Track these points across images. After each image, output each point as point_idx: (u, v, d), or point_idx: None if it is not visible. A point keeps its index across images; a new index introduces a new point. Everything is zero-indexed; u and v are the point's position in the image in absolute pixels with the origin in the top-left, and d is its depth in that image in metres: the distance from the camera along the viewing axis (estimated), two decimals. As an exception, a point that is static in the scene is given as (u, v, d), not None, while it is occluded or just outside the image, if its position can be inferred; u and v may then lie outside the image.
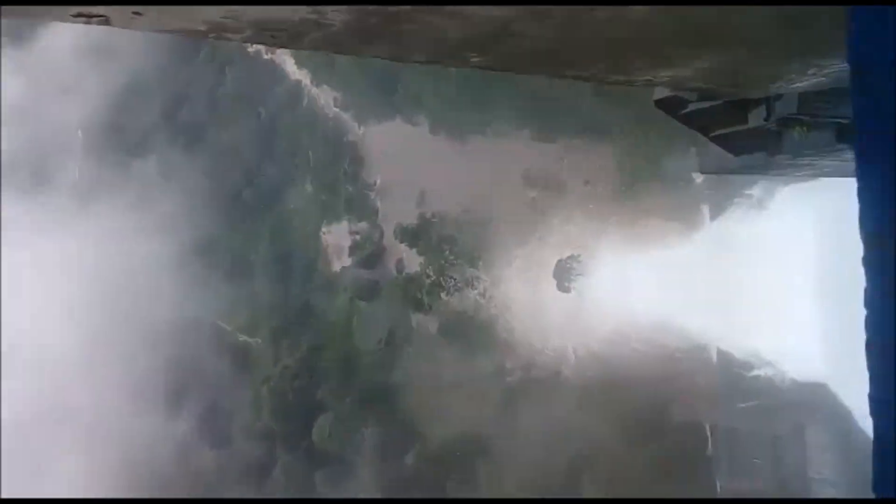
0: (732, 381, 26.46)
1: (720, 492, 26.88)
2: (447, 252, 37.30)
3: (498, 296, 35.56)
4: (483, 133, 35.22)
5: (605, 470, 30.13)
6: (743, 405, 26.01)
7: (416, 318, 37.96)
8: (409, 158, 36.16)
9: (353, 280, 40.21)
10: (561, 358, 33.53)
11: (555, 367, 33.64)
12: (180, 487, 38.67)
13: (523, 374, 34.56)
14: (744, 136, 8.60)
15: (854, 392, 19.69)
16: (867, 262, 1.69)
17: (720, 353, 26.97)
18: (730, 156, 9.58)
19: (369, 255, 40.06)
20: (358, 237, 40.60)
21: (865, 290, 1.71)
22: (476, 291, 36.54)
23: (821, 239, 20.05)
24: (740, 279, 24.28)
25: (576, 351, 33.04)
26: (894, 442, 1.62)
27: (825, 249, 19.74)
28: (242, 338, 42.66)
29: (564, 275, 33.46)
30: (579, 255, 33.09)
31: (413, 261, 38.25)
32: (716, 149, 9.53)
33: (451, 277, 37.25)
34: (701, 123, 9.17)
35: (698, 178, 27.56)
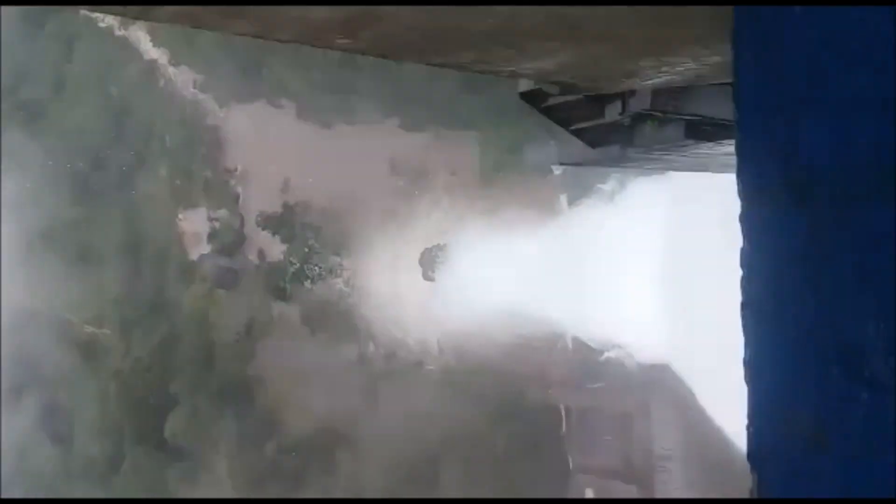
0: (585, 364, 27.66)
1: (573, 468, 28.12)
2: (311, 240, 36.71)
3: (362, 284, 35.41)
4: (350, 120, 34.85)
5: (465, 453, 30.79)
6: (595, 386, 27.21)
7: (278, 308, 37.19)
8: (274, 144, 35.26)
9: (212, 269, 38.79)
10: (424, 346, 33.85)
11: (418, 356, 33.92)
12: (18, 486, 36.05)
13: (386, 362, 34.63)
14: (601, 129, 8.94)
15: (693, 372, 21.12)
16: (745, 218, 1.71)
17: (575, 339, 28.09)
18: (587, 148, 9.93)
19: (229, 243, 38.77)
20: (217, 224, 39.16)
21: (742, 250, 1.73)
22: (340, 280, 36.21)
23: (667, 229, 21.24)
24: (594, 267, 25.31)
25: (439, 339, 33.45)
26: (769, 408, 1.63)
27: (671, 239, 20.94)
28: (90, 329, 40.14)
29: (429, 264, 33.81)
30: (444, 245, 33.50)
31: (275, 249, 37.41)
32: (575, 141, 9.86)
33: (314, 266, 36.71)
34: (561, 116, 9.46)
35: (557, 170, 28.50)
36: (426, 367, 33.70)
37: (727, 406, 18.73)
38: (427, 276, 33.95)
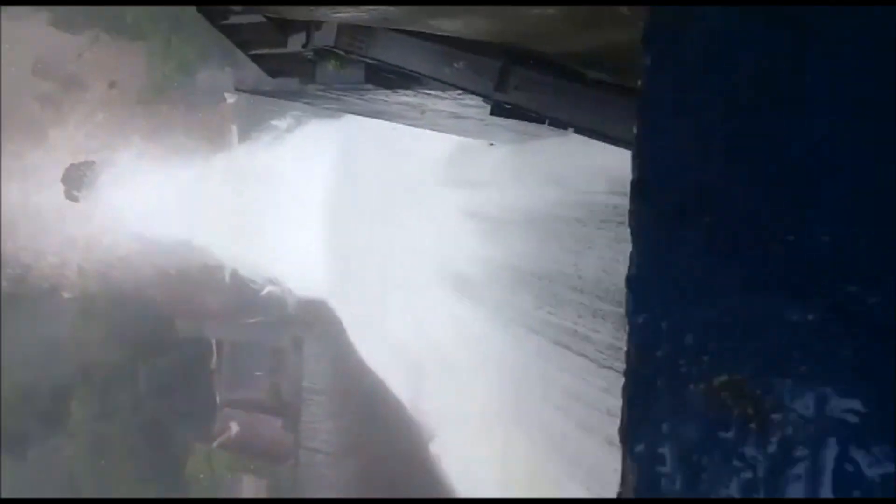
0: (242, 299, 27.40)
1: (220, 402, 27.91)
2: (-76, 140, 30.98)
3: (-10, 198, 30.89)
4: (-14, 6, 29.74)
5: (102, 387, 28.87)
6: (251, 321, 27.18)
7: None
8: None
9: None
10: (61, 271, 30.78)
11: (54, 281, 30.77)
12: None
13: (13, 286, 30.86)
14: (282, 59, 8.71)
15: (345, 308, 22.09)
16: (650, 36, 1.18)
17: (233, 273, 27.65)
18: (266, 77, 9.65)
19: None
20: None
21: (641, 103, 1.19)
22: (-42, 190, 31.17)
23: (335, 171, 21.63)
24: (261, 203, 25.02)
25: (79, 264, 30.63)
26: (667, 356, 1.02)
27: (337, 181, 21.39)
28: None
29: (74, 182, 30.50)
30: (94, 163, 30.45)
31: None
32: (253, 67, 9.50)
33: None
34: (242, 38, 9.02)
35: (231, 99, 27.39)
36: (63, 294, 30.67)
37: (372, 341, 20.01)
38: (70, 196, 30.62)
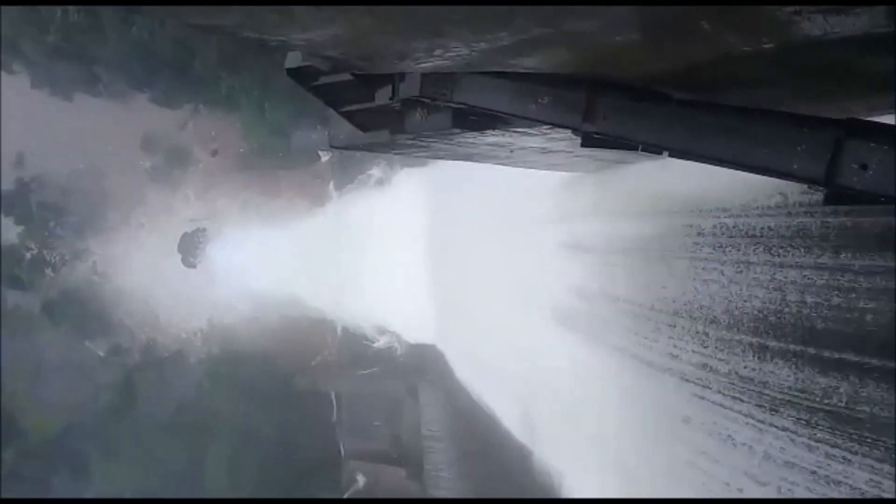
0: (355, 351, 27.76)
1: (344, 454, 28.14)
2: (52, 222, 33.31)
3: (114, 271, 32.80)
4: (94, 92, 31.95)
5: (231, 444, 29.71)
6: (364, 372, 27.44)
7: (13, 297, 33.36)
8: (4, 115, 31.22)
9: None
10: (185, 335, 32.17)
11: (178, 345, 32.20)
12: None
13: (143, 354, 32.52)
14: (371, 113, 8.85)
15: (454, 350, 21.97)
16: None
17: (345, 326, 28.08)
18: (357, 132, 9.82)
19: (-52, 225, 33.97)
20: (-69, 204, 34.17)
21: None
22: (87, 266, 33.25)
23: (431, 216, 21.74)
24: (363, 254, 25.36)
25: (201, 328, 31.93)
26: None
27: (434, 225, 21.48)
28: None
29: (190, 249, 32.05)
30: (205, 230, 31.92)
31: (8, 232, 33.47)
32: (344, 124, 9.70)
33: (57, 251, 33.39)
34: (331, 97, 9.25)
35: (325, 156, 28.14)
36: (188, 358, 32.03)
37: (483, 381, 19.78)
38: (187, 262, 32.17)
